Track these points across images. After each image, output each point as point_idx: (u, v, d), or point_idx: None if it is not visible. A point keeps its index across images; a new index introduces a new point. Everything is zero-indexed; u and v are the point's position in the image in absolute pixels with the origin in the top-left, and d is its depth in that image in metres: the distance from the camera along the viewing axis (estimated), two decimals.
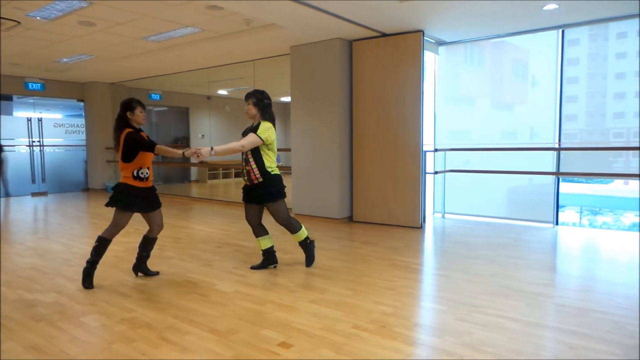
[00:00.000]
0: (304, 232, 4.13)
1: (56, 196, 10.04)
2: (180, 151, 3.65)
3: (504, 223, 6.37)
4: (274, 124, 3.96)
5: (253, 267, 4.15)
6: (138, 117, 3.65)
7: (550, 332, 2.75)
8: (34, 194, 10.14)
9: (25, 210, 8.13)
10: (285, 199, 4.04)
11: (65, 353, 2.51)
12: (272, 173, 3.90)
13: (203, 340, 2.66)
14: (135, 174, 3.60)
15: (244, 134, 3.93)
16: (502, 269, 4.08)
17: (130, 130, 3.59)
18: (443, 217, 6.91)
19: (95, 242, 3.69)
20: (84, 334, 2.77)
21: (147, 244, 3.95)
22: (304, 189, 6.87)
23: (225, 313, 3.08)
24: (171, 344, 2.60)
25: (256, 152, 3.85)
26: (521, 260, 4.40)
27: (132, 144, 3.54)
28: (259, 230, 4.12)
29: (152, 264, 4.30)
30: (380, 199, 6.36)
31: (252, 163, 3.85)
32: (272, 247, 4.17)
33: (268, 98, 3.95)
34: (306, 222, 6.54)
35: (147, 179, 3.66)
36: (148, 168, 3.67)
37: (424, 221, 6.29)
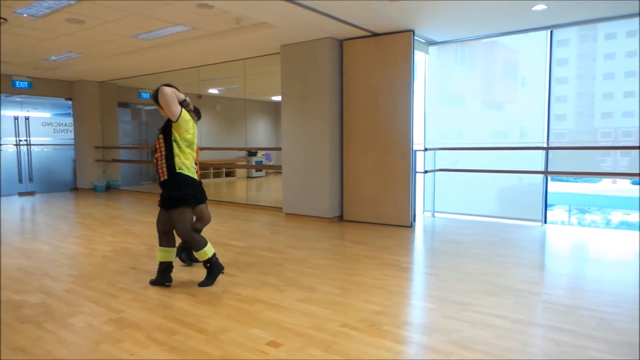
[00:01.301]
0: (210, 250, 3.61)
1: (44, 196, 9.92)
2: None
3: (494, 222, 6.41)
4: (196, 118, 3.68)
5: (152, 282, 3.67)
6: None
7: (538, 330, 2.77)
8: (21, 194, 10.01)
9: (12, 210, 8.03)
10: (192, 208, 3.55)
11: (51, 354, 2.48)
12: (180, 173, 3.40)
13: (192, 340, 2.64)
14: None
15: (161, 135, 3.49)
16: (491, 267, 4.11)
17: None
18: (433, 216, 6.94)
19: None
20: (71, 335, 2.73)
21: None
22: (295, 188, 6.86)
23: (214, 312, 3.06)
24: (159, 344, 2.58)
25: (168, 142, 3.38)
26: (510, 258, 4.43)
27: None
28: (163, 239, 3.63)
29: (141, 263, 4.28)
30: (370, 198, 6.37)
31: (163, 150, 3.39)
32: (171, 264, 3.65)
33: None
34: (297, 222, 6.56)
35: None
36: None
37: (414, 220, 6.31)
